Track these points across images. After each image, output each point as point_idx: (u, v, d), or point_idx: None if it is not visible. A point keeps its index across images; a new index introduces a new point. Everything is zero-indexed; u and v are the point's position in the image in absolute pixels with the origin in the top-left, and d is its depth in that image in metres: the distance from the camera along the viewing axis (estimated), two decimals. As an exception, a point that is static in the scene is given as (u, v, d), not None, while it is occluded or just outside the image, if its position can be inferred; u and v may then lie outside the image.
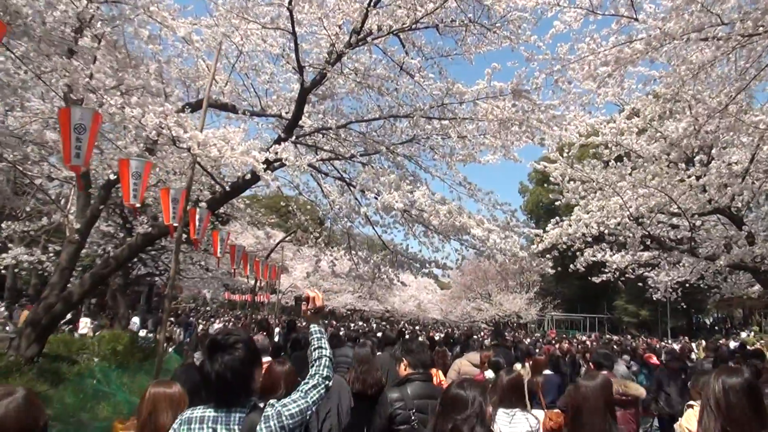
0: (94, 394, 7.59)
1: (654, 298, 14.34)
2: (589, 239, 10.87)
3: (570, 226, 9.42)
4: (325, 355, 2.39)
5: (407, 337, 15.68)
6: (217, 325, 16.68)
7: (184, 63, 9.62)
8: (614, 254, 12.60)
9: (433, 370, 6.50)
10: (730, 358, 8.62)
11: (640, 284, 14.67)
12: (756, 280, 10.24)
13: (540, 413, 4.25)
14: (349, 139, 8.33)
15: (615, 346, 16.53)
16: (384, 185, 6.57)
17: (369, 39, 7.74)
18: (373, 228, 10.06)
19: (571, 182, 10.71)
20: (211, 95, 10.17)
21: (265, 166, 7.31)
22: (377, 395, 4.38)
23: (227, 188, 8.20)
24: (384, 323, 49.48)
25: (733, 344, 18.73)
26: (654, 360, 10.59)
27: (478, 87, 7.09)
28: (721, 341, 21.23)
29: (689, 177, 8.84)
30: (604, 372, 4.66)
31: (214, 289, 17.82)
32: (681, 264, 13.46)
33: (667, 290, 14.03)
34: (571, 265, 11.85)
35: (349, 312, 48.53)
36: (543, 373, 6.69)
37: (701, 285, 14.93)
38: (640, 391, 4.70)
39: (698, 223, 11.31)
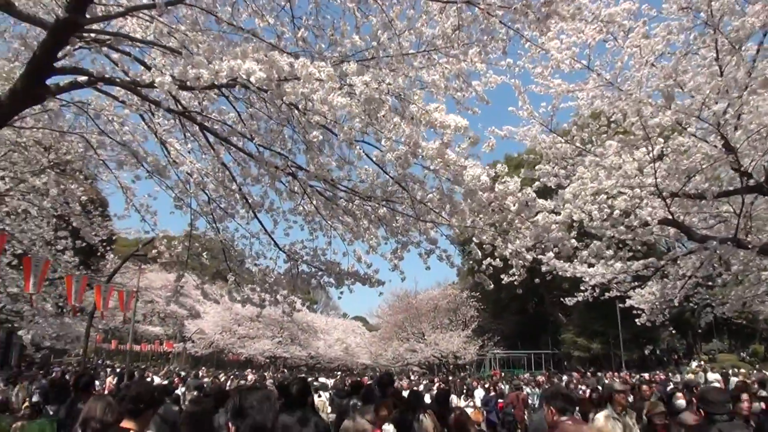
0: None
1: (638, 323, 11.35)
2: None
3: (565, 207, 6.06)
4: None
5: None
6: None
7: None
8: (594, 267, 9.66)
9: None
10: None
11: (587, 314, 11.99)
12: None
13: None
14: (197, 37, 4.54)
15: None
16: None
17: None
18: (257, 218, 6.30)
19: (551, 160, 7.59)
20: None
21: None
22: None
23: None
24: (310, 370, 44.52)
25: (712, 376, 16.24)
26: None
27: None
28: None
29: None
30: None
31: (35, 331, 13.10)
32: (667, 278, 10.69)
33: (653, 312, 11.15)
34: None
35: (268, 360, 43.07)
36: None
37: (691, 304, 12.27)
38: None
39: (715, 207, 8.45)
